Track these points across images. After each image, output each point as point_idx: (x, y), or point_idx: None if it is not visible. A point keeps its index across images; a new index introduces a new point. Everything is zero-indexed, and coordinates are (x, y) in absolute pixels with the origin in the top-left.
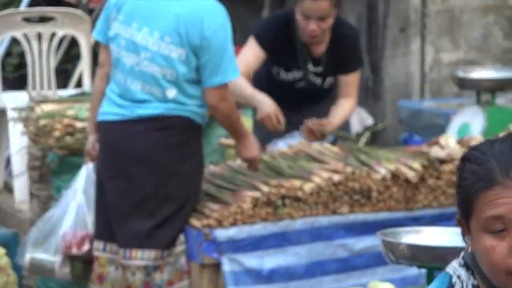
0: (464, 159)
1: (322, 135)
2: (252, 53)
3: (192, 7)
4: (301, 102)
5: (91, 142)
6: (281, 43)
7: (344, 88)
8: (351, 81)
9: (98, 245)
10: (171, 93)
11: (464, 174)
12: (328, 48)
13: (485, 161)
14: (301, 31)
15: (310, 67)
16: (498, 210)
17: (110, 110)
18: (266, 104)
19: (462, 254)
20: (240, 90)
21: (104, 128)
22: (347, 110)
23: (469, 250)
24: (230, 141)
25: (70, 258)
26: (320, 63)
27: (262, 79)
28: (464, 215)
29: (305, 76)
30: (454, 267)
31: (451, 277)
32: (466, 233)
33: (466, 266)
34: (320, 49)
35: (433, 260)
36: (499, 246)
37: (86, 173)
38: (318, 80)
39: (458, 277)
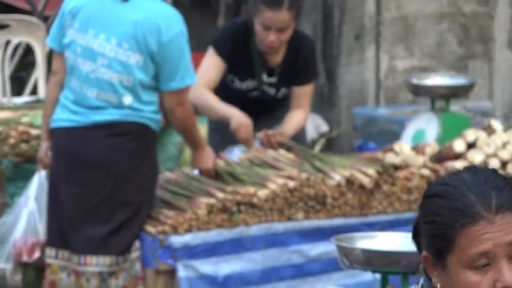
0: (434, 195)
1: (278, 145)
2: (213, 64)
3: (149, 13)
4: (254, 111)
5: (44, 149)
6: (238, 52)
7: (297, 99)
8: (304, 93)
9: (50, 252)
10: (128, 99)
11: (440, 211)
12: (284, 59)
13: (462, 195)
14: (260, 41)
15: (265, 77)
16: (484, 246)
17: (64, 117)
18: (240, 116)
19: (421, 282)
20: (210, 105)
21: (58, 135)
22: (299, 121)
23: (441, 286)
24: None
25: (22, 266)
26: (274, 73)
27: (216, 87)
28: (437, 252)
29: (259, 86)
30: None
31: None
32: (434, 269)
33: None
34: (276, 59)
35: (387, 264)
36: (483, 282)
37: (39, 180)
38: (271, 90)
39: None
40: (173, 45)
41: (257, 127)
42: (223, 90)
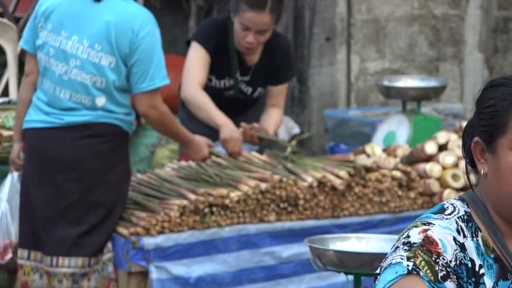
0: (495, 85)
1: (260, 140)
2: (201, 60)
3: (122, 15)
4: (230, 109)
5: (16, 151)
6: (218, 49)
7: (272, 98)
8: (280, 92)
9: (22, 253)
10: (101, 101)
11: (499, 96)
12: (261, 59)
13: None
14: (237, 41)
15: (238, 75)
16: None
17: (37, 118)
18: (231, 128)
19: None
20: (204, 107)
21: (30, 135)
22: (277, 119)
23: (485, 172)
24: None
25: None
26: (248, 72)
27: None
28: (490, 135)
29: (235, 85)
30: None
31: (443, 205)
32: (482, 155)
33: (461, 200)
34: (253, 59)
35: (360, 266)
36: None
37: (11, 182)
38: (248, 90)
39: (452, 204)
40: (144, 45)
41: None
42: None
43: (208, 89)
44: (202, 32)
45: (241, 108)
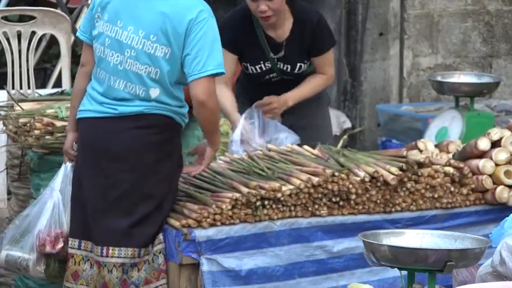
0: None
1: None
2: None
3: (178, 6)
4: (281, 92)
5: (69, 141)
6: (243, 38)
7: (319, 68)
8: (324, 62)
9: (73, 242)
10: (155, 92)
11: None
12: (291, 33)
13: None
14: (255, 15)
15: (272, 54)
16: None
17: (91, 108)
18: (237, 131)
19: None
20: (222, 101)
21: (84, 125)
22: (315, 83)
23: None
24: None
25: (45, 256)
26: (281, 48)
27: (240, 78)
28: None
29: (272, 66)
30: None
31: None
32: None
33: None
34: (282, 35)
35: (414, 261)
36: None
37: (64, 172)
38: (287, 67)
39: None
40: (200, 33)
41: (286, 110)
42: (247, 80)
43: (251, 77)
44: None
45: (292, 87)
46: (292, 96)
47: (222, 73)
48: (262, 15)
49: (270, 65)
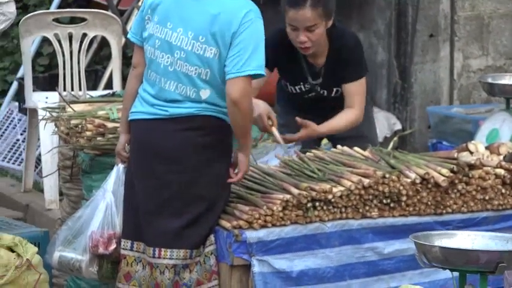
0: None
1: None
2: None
3: (227, 7)
4: (314, 110)
5: (122, 143)
6: (282, 59)
7: (347, 98)
8: (353, 91)
9: (125, 243)
10: (205, 93)
11: None
12: (327, 60)
13: None
14: (295, 45)
15: (310, 80)
16: None
17: (143, 110)
18: (259, 105)
19: None
20: None
21: (136, 127)
22: (342, 121)
23: None
24: None
25: (98, 258)
26: (319, 76)
27: (280, 89)
28: None
29: (311, 88)
30: None
31: None
32: None
33: None
34: (320, 61)
35: (466, 263)
36: None
37: (116, 174)
38: (324, 92)
39: None
40: (244, 32)
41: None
42: (283, 95)
43: (289, 94)
44: None
45: (325, 108)
46: (323, 132)
47: (262, 75)
48: (301, 46)
49: (309, 87)
